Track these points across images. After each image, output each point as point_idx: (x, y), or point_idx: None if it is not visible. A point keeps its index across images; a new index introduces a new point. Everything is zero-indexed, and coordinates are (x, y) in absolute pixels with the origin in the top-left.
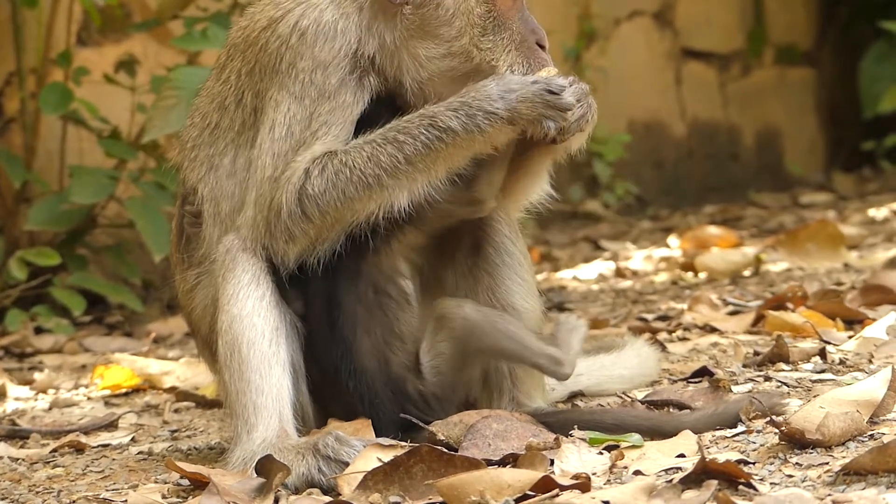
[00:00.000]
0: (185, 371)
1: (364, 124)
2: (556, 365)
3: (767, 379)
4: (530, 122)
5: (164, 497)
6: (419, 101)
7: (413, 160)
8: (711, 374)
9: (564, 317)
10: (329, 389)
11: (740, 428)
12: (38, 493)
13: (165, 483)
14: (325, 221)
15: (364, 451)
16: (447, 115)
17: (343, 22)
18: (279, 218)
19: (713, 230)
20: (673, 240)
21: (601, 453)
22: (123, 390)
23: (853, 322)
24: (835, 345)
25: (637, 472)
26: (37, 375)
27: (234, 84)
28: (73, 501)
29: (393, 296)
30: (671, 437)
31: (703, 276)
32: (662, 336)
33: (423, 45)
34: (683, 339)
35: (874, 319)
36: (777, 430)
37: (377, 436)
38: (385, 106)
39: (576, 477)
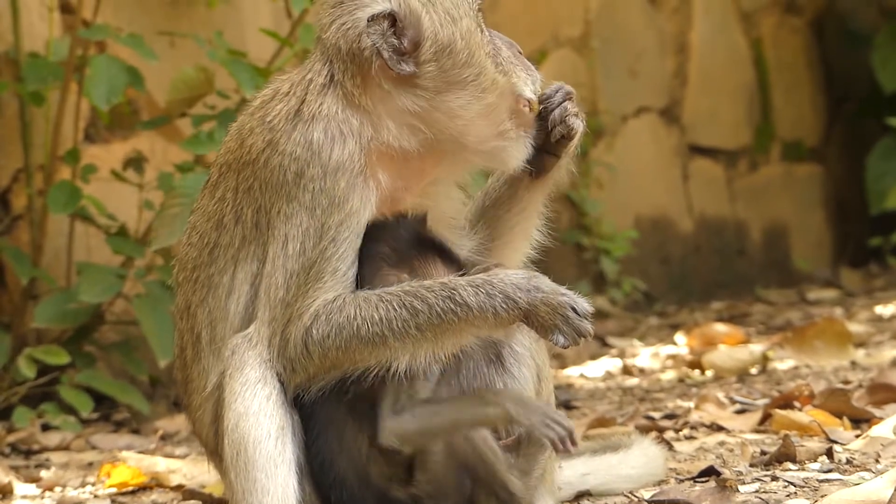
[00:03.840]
0: (192, 469)
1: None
2: (512, 501)
3: (774, 478)
4: (543, 326)
5: None
6: (458, 152)
7: (423, 328)
8: (718, 474)
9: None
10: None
11: None
12: None
13: None
14: (324, 364)
15: None
16: (468, 290)
17: (354, 119)
18: (286, 349)
19: (720, 327)
20: (680, 337)
21: None
22: (130, 488)
23: (860, 421)
24: (842, 444)
25: None
26: (44, 473)
27: (230, 201)
28: None
29: (370, 417)
30: None
31: (710, 373)
32: (669, 435)
33: (453, 97)
34: (690, 437)
35: (881, 419)
36: None
37: None
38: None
39: None
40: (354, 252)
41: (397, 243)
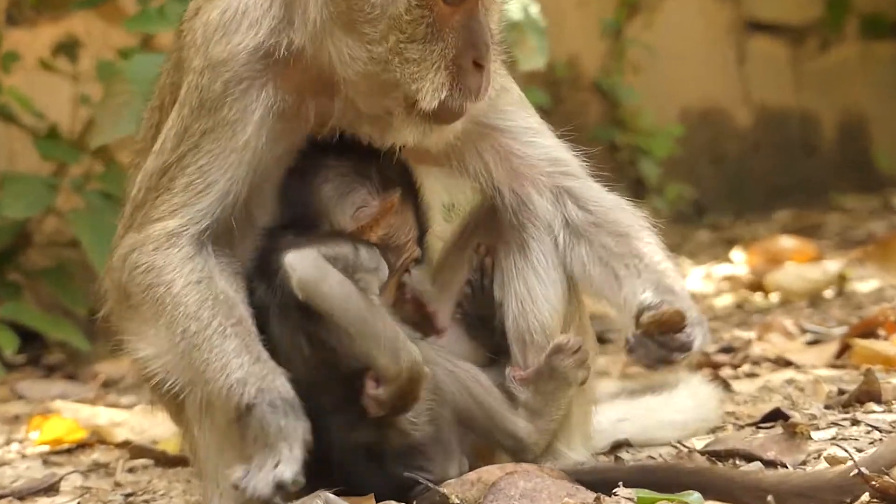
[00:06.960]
0: (140, 421)
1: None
2: (519, 448)
3: (855, 422)
4: (245, 438)
5: None
6: (353, 98)
7: (186, 352)
8: (787, 418)
9: (549, 366)
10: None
11: None
12: None
13: None
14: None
15: None
16: (239, 361)
17: (256, 10)
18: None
19: (786, 241)
20: (737, 254)
21: None
22: (66, 446)
23: None
24: None
25: None
26: None
27: (163, 78)
28: None
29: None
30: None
31: (774, 297)
32: (725, 372)
33: (345, 40)
34: (751, 374)
35: None
36: (867, 485)
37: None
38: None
39: None
40: (225, 172)
41: (386, 171)
